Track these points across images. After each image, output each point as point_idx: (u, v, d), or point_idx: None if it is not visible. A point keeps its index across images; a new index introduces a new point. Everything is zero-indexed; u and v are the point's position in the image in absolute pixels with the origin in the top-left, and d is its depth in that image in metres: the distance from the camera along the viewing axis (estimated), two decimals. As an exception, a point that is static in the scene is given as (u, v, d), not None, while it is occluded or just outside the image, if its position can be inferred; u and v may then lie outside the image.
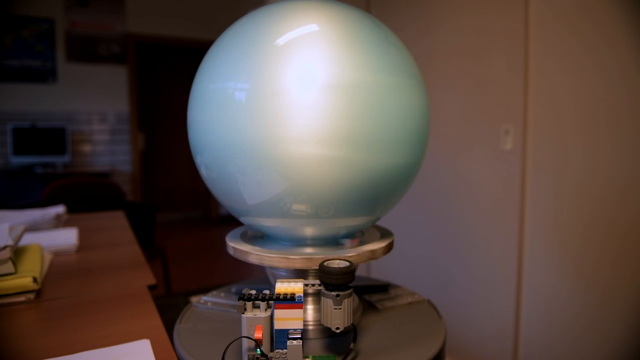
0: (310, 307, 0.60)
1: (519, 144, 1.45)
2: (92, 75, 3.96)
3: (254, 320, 0.47)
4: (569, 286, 1.31)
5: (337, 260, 0.51)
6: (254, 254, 0.57)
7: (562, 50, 1.30)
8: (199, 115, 0.56)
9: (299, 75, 0.50)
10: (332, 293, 0.48)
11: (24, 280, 0.65)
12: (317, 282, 0.50)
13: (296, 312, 0.46)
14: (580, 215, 1.28)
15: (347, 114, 0.50)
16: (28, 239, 0.90)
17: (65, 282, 0.73)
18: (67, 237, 0.95)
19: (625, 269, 1.17)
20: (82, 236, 1.01)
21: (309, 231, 0.58)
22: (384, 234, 0.66)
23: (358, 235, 0.65)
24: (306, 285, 0.50)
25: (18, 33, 3.66)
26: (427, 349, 0.56)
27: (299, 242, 0.61)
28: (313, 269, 0.55)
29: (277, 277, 0.62)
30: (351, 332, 0.58)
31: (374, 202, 0.57)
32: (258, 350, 0.47)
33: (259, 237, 0.66)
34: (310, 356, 0.53)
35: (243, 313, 0.47)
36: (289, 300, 0.46)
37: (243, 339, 0.47)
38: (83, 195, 2.27)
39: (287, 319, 0.46)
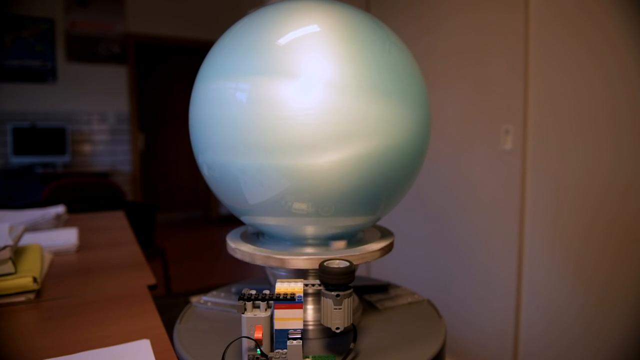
0: (310, 307, 0.60)
1: (519, 144, 1.45)
2: (92, 75, 3.96)
3: (254, 320, 0.47)
4: (569, 286, 1.31)
5: (337, 260, 0.51)
6: (254, 253, 0.57)
7: (562, 50, 1.30)
8: (201, 115, 0.56)
9: (299, 75, 0.50)
10: (332, 293, 0.48)
11: (24, 280, 0.65)
12: (317, 282, 0.50)
13: (296, 312, 0.46)
14: (580, 215, 1.28)
15: (348, 113, 0.50)
16: (28, 239, 0.90)
17: (65, 282, 0.73)
18: (67, 237, 0.95)
19: (624, 268, 1.17)
20: (82, 236, 1.01)
21: (309, 231, 0.58)
22: (384, 234, 0.66)
23: (346, 238, 0.64)
24: (306, 285, 0.50)
25: (18, 33, 3.66)
26: (427, 349, 0.56)
27: (300, 242, 0.61)
28: (313, 269, 0.55)
29: (277, 277, 0.62)
30: (351, 332, 0.58)
31: (374, 202, 0.57)
32: (258, 350, 0.47)
33: (259, 237, 0.66)
34: (310, 356, 0.53)
35: (243, 313, 0.47)
36: (289, 300, 0.46)
37: (243, 339, 0.47)
38: (83, 195, 2.27)
39: (287, 319, 0.46)
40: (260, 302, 0.48)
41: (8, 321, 0.58)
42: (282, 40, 0.51)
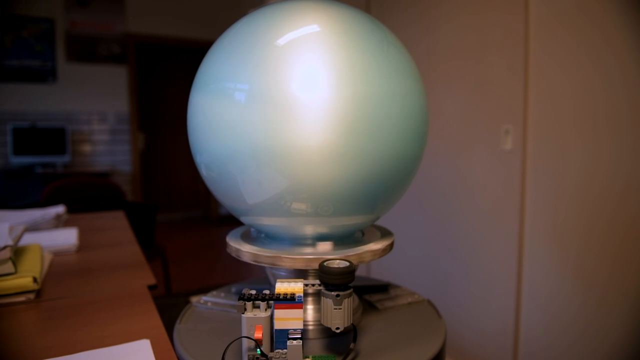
0: (310, 307, 0.60)
1: (519, 144, 1.45)
2: (92, 75, 3.96)
3: (254, 320, 0.47)
4: (569, 286, 1.31)
5: (337, 260, 0.51)
6: (254, 254, 0.57)
7: (562, 50, 1.30)
8: (199, 115, 0.56)
9: (298, 75, 0.50)
10: (332, 293, 0.48)
11: (24, 280, 0.65)
12: (317, 282, 0.50)
13: (296, 312, 0.46)
14: (580, 215, 1.28)
15: (346, 113, 0.50)
16: (28, 239, 0.90)
17: (65, 282, 0.73)
18: (67, 237, 0.95)
19: (624, 268, 1.17)
20: (82, 236, 1.01)
21: (309, 230, 0.58)
22: (384, 233, 0.66)
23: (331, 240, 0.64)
24: (306, 285, 0.50)
25: (18, 33, 3.66)
26: (427, 349, 0.56)
27: (299, 241, 0.61)
28: (313, 269, 0.55)
29: (277, 277, 0.62)
30: (351, 332, 0.58)
31: (373, 201, 0.57)
32: (258, 350, 0.47)
33: (259, 237, 0.66)
34: (310, 356, 0.53)
35: (243, 313, 0.47)
36: (289, 300, 0.46)
37: (243, 339, 0.47)
38: (83, 195, 2.27)
39: (287, 319, 0.46)
40: (260, 302, 0.48)
41: (8, 321, 0.58)
42: (281, 41, 0.51)
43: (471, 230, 1.65)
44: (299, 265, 0.55)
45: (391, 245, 0.62)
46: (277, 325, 0.46)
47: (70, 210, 1.34)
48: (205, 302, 0.70)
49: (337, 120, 0.50)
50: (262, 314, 0.47)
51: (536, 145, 1.40)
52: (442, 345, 0.58)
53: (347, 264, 0.50)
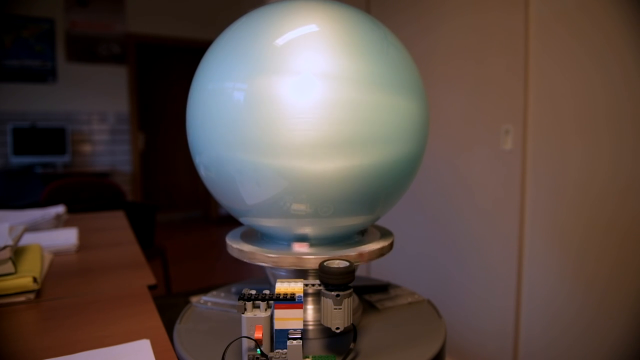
0: (310, 307, 0.60)
1: (519, 144, 1.45)
2: (92, 75, 3.96)
3: (254, 320, 0.47)
4: (569, 286, 1.31)
5: (337, 260, 0.51)
6: (254, 254, 0.57)
7: (562, 50, 1.30)
8: (198, 115, 0.56)
9: (297, 75, 0.50)
10: (332, 293, 0.48)
11: (24, 280, 0.65)
12: (317, 282, 0.50)
13: (296, 312, 0.46)
14: (579, 215, 1.28)
15: (346, 114, 0.50)
16: (28, 239, 0.90)
17: (65, 282, 0.73)
18: (67, 237, 0.95)
19: (624, 268, 1.17)
20: (82, 236, 1.01)
21: (308, 231, 0.58)
22: (384, 234, 0.66)
23: (308, 241, 0.63)
24: (306, 285, 0.50)
25: (18, 33, 3.66)
26: (427, 349, 0.56)
27: (299, 242, 0.61)
28: (313, 269, 0.55)
29: (277, 277, 0.62)
30: (351, 332, 0.58)
31: (373, 201, 0.57)
32: (258, 350, 0.47)
33: (259, 237, 0.66)
34: (310, 356, 0.53)
35: (243, 313, 0.47)
36: (289, 300, 0.46)
37: (243, 339, 0.47)
38: (83, 195, 2.27)
39: (287, 319, 0.46)
40: (260, 302, 0.48)
41: (8, 321, 0.58)
42: (280, 40, 0.51)
43: (471, 230, 1.65)
44: (299, 265, 0.55)
45: (391, 245, 0.62)
46: (277, 325, 0.46)
47: (70, 210, 1.34)
48: (205, 302, 0.70)
49: (337, 121, 0.50)
50: (262, 314, 0.47)
51: (536, 145, 1.40)
52: (442, 345, 0.58)
53: (347, 264, 0.50)
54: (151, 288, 0.71)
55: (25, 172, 3.50)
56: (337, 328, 0.49)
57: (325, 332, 0.59)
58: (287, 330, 0.46)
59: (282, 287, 0.49)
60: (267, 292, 0.48)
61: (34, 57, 3.72)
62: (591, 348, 1.25)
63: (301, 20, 0.53)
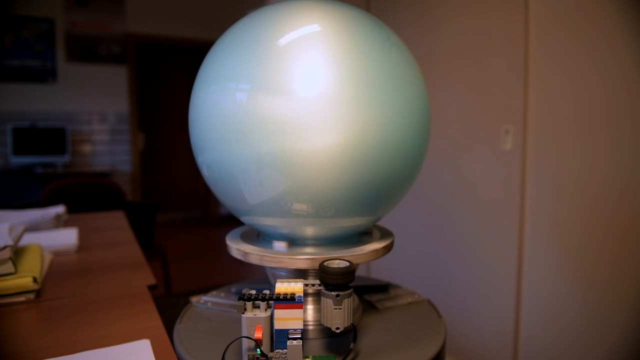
0: (310, 307, 0.60)
1: (519, 144, 1.45)
2: (92, 75, 3.96)
3: (254, 320, 0.47)
4: (569, 285, 1.31)
5: (337, 260, 0.51)
6: (254, 254, 0.57)
7: (562, 50, 1.30)
8: (201, 115, 0.56)
9: (299, 75, 0.50)
10: (332, 293, 0.48)
11: (24, 280, 0.65)
12: (317, 282, 0.50)
13: (296, 312, 0.46)
14: (580, 215, 1.28)
15: (348, 113, 0.50)
16: (28, 239, 0.90)
17: (65, 282, 0.73)
18: (67, 237, 0.95)
19: (624, 268, 1.17)
20: (82, 236, 1.01)
21: (309, 231, 0.58)
22: (384, 234, 0.66)
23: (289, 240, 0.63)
24: (306, 285, 0.50)
25: (18, 33, 3.66)
26: (427, 349, 0.56)
27: (300, 241, 0.61)
28: (313, 269, 0.55)
29: (277, 277, 0.62)
30: (351, 332, 0.58)
31: (374, 202, 0.57)
32: (258, 350, 0.47)
33: (259, 237, 0.66)
34: (310, 356, 0.53)
35: (243, 313, 0.47)
36: (289, 300, 0.46)
37: (243, 339, 0.47)
38: (83, 195, 2.27)
39: (287, 319, 0.46)
40: (260, 302, 0.48)
41: (8, 321, 0.58)
42: (282, 41, 0.51)
43: (471, 230, 1.65)
44: (299, 265, 0.55)
45: (391, 245, 0.62)
46: (277, 325, 0.46)
47: (70, 210, 1.34)
48: (205, 302, 0.70)
49: (339, 121, 0.50)
50: (262, 314, 0.47)
51: (536, 145, 1.40)
52: (442, 345, 0.58)
53: (347, 264, 0.50)
54: (151, 288, 0.71)
55: (25, 172, 3.50)
56: (337, 328, 0.49)
57: (325, 332, 0.59)
58: (287, 330, 0.46)
59: (282, 287, 0.49)
60: (267, 292, 0.48)
61: (34, 57, 3.72)
62: (591, 348, 1.25)
63: (303, 21, 0.53)
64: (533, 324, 1.43)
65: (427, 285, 1.86)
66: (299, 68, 0.50)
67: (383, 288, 0.75)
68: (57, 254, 0.89)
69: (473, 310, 1.64)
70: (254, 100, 0.50)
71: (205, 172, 0.59)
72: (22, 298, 0.65)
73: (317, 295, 0.60)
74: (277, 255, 0.56)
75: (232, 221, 4.47)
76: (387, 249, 0.60)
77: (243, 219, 0.62)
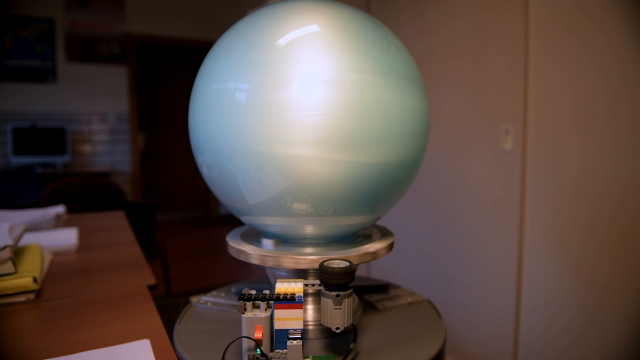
0: (310, 307, 0.60)
1: (519, 144, 1.45)
2: (92, 75, 3.96)
3: (254, 320, 0.47)
4: (569, 285, 1.31)
5: (337, 261, 0.51)
6: (254, 254, 0.57)
7: (562, 50, 1.30)
8: (201, 115, 0.56)
9: (299, 75, 0.50)
10: (332, 293, 0.48)
11: (24, 280, 0.65)
12: (317, 282, 0.50)
13: (296, 312, 0.46)
14: (579, 215, 1.28)
15: (347, 113, 0.50)
16: (28, 239, 0.90)
17: (65, 282, 0.73)
18: (67, 237, 0.96)
19: (624, 268, 1.17)
20: (82, 236, 1.01)
21: (309, 230, 0.58)
22: (384, 233, 0.66)
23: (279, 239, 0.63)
24: (306, 285, 0.50)
25: (18, 33, 3.66)
26: (427, 349, 0.56)
27: (300, 241, 0.61)
28: (313, 269, 0.55)
29: (277, 277, 0.62)
30: (351, 332, 0.58)
31: (374, 201, 0.57)
32: (258, 350, 0.47)
33: (259, 237, 0.66)
34: (310, 356, 0.53)
35: (243, 313, 0.47)
36: (289, 300, 0.47)
37: (243, 339, 0.47)
38: (83, 195, 2.27)
39: (287, 319, 0.46)
40: (260, 302, 0.48)
41: (8, 321, 0.58)
42: (282, 41, 0.52)
43: (471, 230, 1.65)
44: (299, 265, 0.55)
45: (391, 246, 0.62)
46: (277, 325, 0.46)
47: (70, 210, 1.34)
48: (205, 302, 0.70)
49: (339, 120, 0.50)
50: (262, 314, 0.47)
51: (536, 145, 1.40)
52: (442, 345, 0.58)
53: (347, 264, 0.50)
54: (151, 288, 0.71)
55: (25, 172, 3.50)
56: (337, 328, 0.49)
57: (325, 332, 0.59)
58: (287, 330, 0.46)
59: (282, 287, 0.49)
60: (267, 292, 0.48)
61: (34, 57, 3.72)
62: (591, 348, 1.25)
63: (302, 21, 0.53)
64: (533, 324, 1.43)
65: (427, 285, 1.86)
66: (298, 68, 0.50)
67: (383, 288, 0.75)
68: (57, 254, 0.89)
69: (473, 310, 1.64)
70: (254, 100, 0.50)
71: (205, 172, 0.59)
72: (22, 298, 0.65)
73: (317, 295, 0.60)
74: (277, 255, 0.56)
75: (232, 221, 4.48)
76: (387, 249, 0.60)
77: (243, 218, 0.62)
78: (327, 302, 0.49)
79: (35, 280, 0.65)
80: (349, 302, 0.49)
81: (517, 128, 1.45)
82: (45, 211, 1.13)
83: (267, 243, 0.61)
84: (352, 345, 0.53)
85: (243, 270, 3.09)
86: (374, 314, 0.66)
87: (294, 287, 0.49)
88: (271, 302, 0.48)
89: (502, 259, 1.53)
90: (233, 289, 0.74)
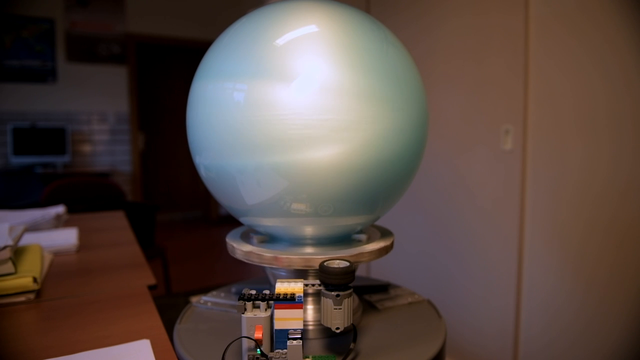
0: (310, 307, 0.60)
1: (519, 144, 1.45)
2: (92, 75, 3.96)
3: (254, 320, 0.47)
4: (569, 285, 1.31)
5: (337, 261, 0.51)
6: (254, 254, 0.57)
7: (562, 50, 1.30)
8: (198, 116, 0.56)
9: (297, 75, 0.50)
10: (332, 293, 0.48)
11: (24, 280, 0.65)
12: (317, 282, 0.50)
13: (296, 312, 0.46)
14: (579, 215, 1.28)
15: (346, 113, 0.50)
16: (28, 239, 0.90)
17: (65, 282, 0.73)
18: (67, 237, 0.96)
19: (624, 268, 1.17)
20: (82, 236, 1.01)
21: (308, 231, 0.58)
22: (384, 233, 0.66)
23: (366, 231, 0.66)
24: (306, 285, 0.50)
25: (18, 33, 3.66)
26: (427, 349, 0.56)
27: (299, 241, 0.61)
28: (313, 269, 0.55)
29: (277, 277, 0.62)
30: (351, 332, 0.58)
31: (373, 201, 0.57)
32: (258, 350, 0.47)
33: (259, 237, 0.66)
34: (310, 356, 0.53)
35: (243, 313, 0.47)
36: (289, 300, 0.46)
37: (243, 339, 0.47)
38: (83, 195, 2.27)
39: (287, 319, 0.46)
40: (260, 302, 0.48)
41: (8, 321, 0.58)
42: (280, 41, 0.51)
43: (471, 230, 1.65)
44: (299, 265, 0.55)
45: (391, 246, 0.62)
46: (277, 325, 0.46)
47: (70, 210, 1.34)
48: (205, 302, 0.70)
49: (337, 121, 0.50)
50: (262, 314, 0.47)
51: (536, 145, 1.40)
52: (442, 345, 0.58)
53: (347, 264, 0.50)
54: (151, 288, 0.71)
55: (25, 172, 3.50)
56: (337, 328, 0.49)
57: (325, 332, 0.59)
58: (287, 330, 0.46)
59: (282, 287, 0.49)
60: (267, 292, 0.48)
61: (34, 57, 3.72)
62: (591, 348, 1.25)
63: (301, 21, 0.53)
64: (533, 324, 1.43)
65: (427, 285, 1.86)
66: (296, 68, 0.50)
67: (383, 288, 0.75)
68: (57, 254, 0.89)
69: (473, 310, 1.64)
70: (252, 100, 0.50)
71: (202, 172, 0.59)
72: (22, 298, 0.65)
73: (317, 295, 0.60)
74: (277, 255, 0.56)
75: (232, 221, 4.47)
76: (387, 249, 0.60)
77: (242, 219, 0.62)
78: (327, 302, 0.49)
79: (35, 280, 0.65)
80: (349, 302, 0.49)
81: (517, 128, 1.45)
82: (45, 211, 1.13)
83: (259, 238, 0.61)
84: (352, 345, 0.53)
85: (243, 270, 3.09)
86: (374, 314, 0.66)
87: (294, 287, 0.49)
88: (271, 302, 0.48)
89: (502, 259, 1.53)
90: (233, 289, 0.74)
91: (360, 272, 2.03)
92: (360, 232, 0.65)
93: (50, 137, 3.66)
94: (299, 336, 0.46)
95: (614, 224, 1.19)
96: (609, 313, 1.21)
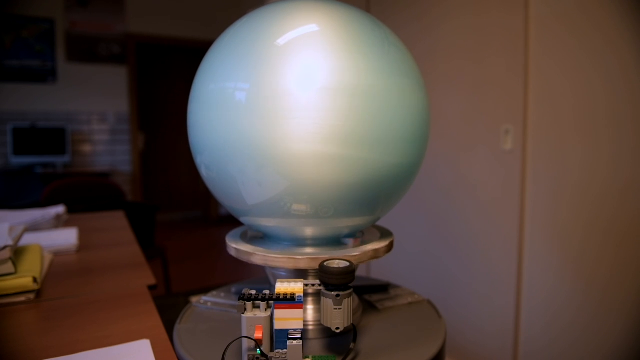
0: (310, 307, 0.60)
1: (519, 144, 1.45)
2: (92, 75, 3.96)
3: (254, 320, 0.47)
4: (569, 285, 1.31)
5: (337, 260, 0.51)
6: (255, 254, 0.57)
7: (562, 50, 1.30)
8: (199, 116, 0.56)
9: (298, 75, 0.50)
10: (332, 293, 0.48)
11: (24, 280, 0.65)
12: (317, 282, 0.50)
13: (296, 312, 0.46)
14: (579, 215, 1.28)
15: (347, 114, 0.50)
16: (28, 239, 0.90)
17: (65, 282, 0.73)
18: (67, 237, 0.95)
19: (624, 268, 1.17)
20: (82, 236, 1.01)
21: (309, 231, 0.58)
22: (384, 233, 0.66)
23: (359, 235, 0.65)
24: (306, 285, 0.50)
25: (18, 33, 3.66)
26: (427, 349, 0.56)
27: (299, 242, 0.61)
28: (313, 269, 0.55)
29: (277, 277, 0.62)
30: (351, 332, 0.58)
31: (374, 202, 0.57)
32: (258, 350, 0.47)
33: (259, 237, 0.66)
34: (310, 356, 0.53)
35: (243, 313, 0.47)
36: (289, 300, 0.46)
37: (243, 339, 0.47)
38: (83, 195, 2.27)
39: (287, 319, 0.46)
40: (260, 302, 0.48)
41: (8, 321, 0.58)
42: (281, 40, 0.51)
43: (471, 230, 1.65)
44: (299, 265, 0.55)
45: (391, 245, 0.62)
46: (277, 325, 0.46)
47: (70, 210, 1.34)
48: (205, 302, 0.70)
49: (338, 122, 0.50)
50: (262, 314, 0.47)
51: (536, 145, 1.40)
52: (442, 345, 0.58)
53: (347, 264, 0.50)
54: (151, 288, 0.71)
55: (25, 172, 3.50)
56: (337, 328, 0.49)
57: (325, 332, 0.59)
58: (287, 330, 0.46)
59: (282, 287, 0.49)
60: (267, 292, 0.48)
61: (34, 57, 3.72)
62: (591, 348, 1.25)
63: (302, 20, 0.53)
64: (533, 324, 1.43)
65: (427, 285, 1.86)
66: (297, 68, 0.50)
67: (383, 288, 0.75)
68: (57, 254, 0.89)
69: (473, 310, 1.64)
70: (253, 99, 0.50)
71: (203, 172, 0.59)
72: (22, 298, 0.65)
73: (317, 295, 0.60)
74: (277, 255, 0.55)
75: (232, 221, 4.47)
76: (387, 248, 0.60)
77: (242, 219, 0.62)
78: (327, 302, 0.49)
79: (35, 280, 0.65)
80: (349, 302, 0.49)
81: (517, 128, 1.45)
82: (45, 211, 1.13)
83: (255, 240, 0.61)
84: (352, 345, 0.53)
85: (243, 270, 3.09)
86: (374, 314, 0.66)
87: (294, 287, 0.49)
88: (271, 302, 0.48)
89: (502, 259, 1.53)
90: (233, 289, 0.74)
91: (360, 272, 2.03)
92: (350, 235, 0.64)
93: (50, 137, 3.66)
94: (299, 336, 0.46)
95: (614, 224, 1.19)
96: (609, 313, 1.21)
